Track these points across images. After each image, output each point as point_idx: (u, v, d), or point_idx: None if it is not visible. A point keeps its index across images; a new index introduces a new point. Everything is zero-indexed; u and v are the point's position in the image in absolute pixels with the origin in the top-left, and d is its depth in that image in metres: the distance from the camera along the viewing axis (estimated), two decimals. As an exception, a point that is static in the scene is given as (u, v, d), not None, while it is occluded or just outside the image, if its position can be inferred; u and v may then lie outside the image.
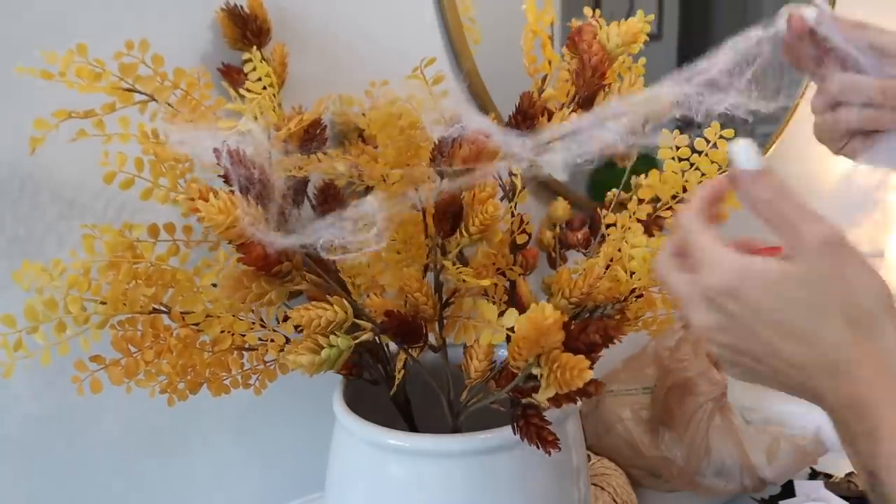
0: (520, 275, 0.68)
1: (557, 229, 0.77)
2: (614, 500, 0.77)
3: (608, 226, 0.60)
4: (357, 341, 0.50)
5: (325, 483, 0.64)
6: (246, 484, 0.77)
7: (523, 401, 0.51)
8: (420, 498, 0.56)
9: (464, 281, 0.52)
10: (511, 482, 0.56)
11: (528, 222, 0.62)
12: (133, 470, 0.70)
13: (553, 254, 0.77)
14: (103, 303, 0.48)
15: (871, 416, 0.39)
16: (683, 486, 0.83)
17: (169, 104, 0.51)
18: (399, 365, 0.58)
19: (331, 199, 0.60)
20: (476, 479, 0.54)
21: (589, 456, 0.85)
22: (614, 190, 0.65)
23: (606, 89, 0.58)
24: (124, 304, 0.49)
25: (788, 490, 0.83)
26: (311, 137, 0.60)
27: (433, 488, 0.55)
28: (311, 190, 0.63)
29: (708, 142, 0.52)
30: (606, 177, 0.93)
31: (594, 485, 0.78)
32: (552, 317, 0.45)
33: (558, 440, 0.49)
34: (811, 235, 0.39)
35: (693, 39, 1.00)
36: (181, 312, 0.51)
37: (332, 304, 0.49)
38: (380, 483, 0.57)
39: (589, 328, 0.48)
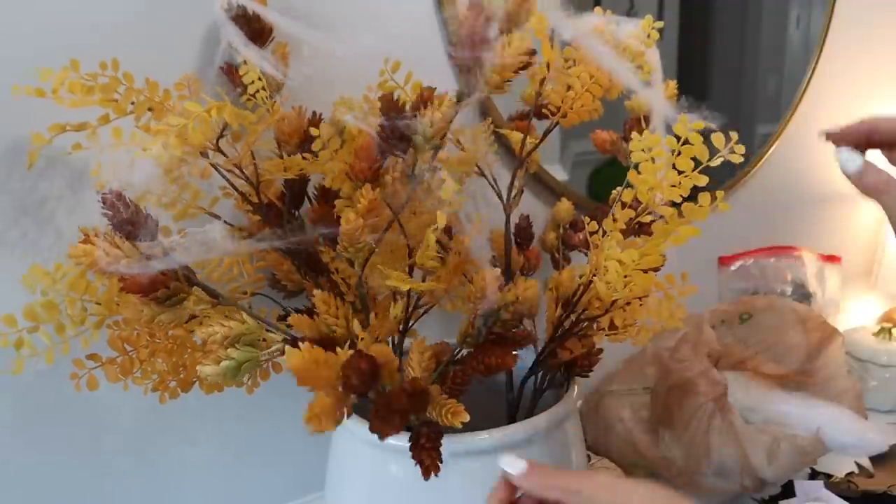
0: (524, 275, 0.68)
1: (561, 230, 0.77)
2: (614, 500, 0.77)
3: (591, 233, 0.57)
4: (264, 353, 0.52)
5: (325, 483, 0.64)
6: (246, 484, 0.78)
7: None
8: (420, 498, 0.56)
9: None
10: (510, 482, 0.56)
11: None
12: (138, 456, 0.70)
13: (556, 255, 0.77)
14: (98, 303, 0.50)
15: None
16: (683, 486, 0.83)
17: (150, 109, 0.52)
18: None
19: (331, 198, 0.60)
20: (476, 480, 0.54)
21: (589, 456, 0.85)
22: (618, 189, 0.64)
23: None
24: (118, 305, 0.50)
25: (788, 490, 0.83)
26: (311, 138, 0.60)
27: (433, 488, 0.55)
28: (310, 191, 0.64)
29: (678, 139, 0.47)
30: (606, 176, 0.93)
31: (594, 485, 0.78)
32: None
33: (440, 465, 0.49)
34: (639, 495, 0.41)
35: (693, 39, 1.00)
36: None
37: (236, 320, 0.51)
38: (380, 483, 0.57)
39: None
